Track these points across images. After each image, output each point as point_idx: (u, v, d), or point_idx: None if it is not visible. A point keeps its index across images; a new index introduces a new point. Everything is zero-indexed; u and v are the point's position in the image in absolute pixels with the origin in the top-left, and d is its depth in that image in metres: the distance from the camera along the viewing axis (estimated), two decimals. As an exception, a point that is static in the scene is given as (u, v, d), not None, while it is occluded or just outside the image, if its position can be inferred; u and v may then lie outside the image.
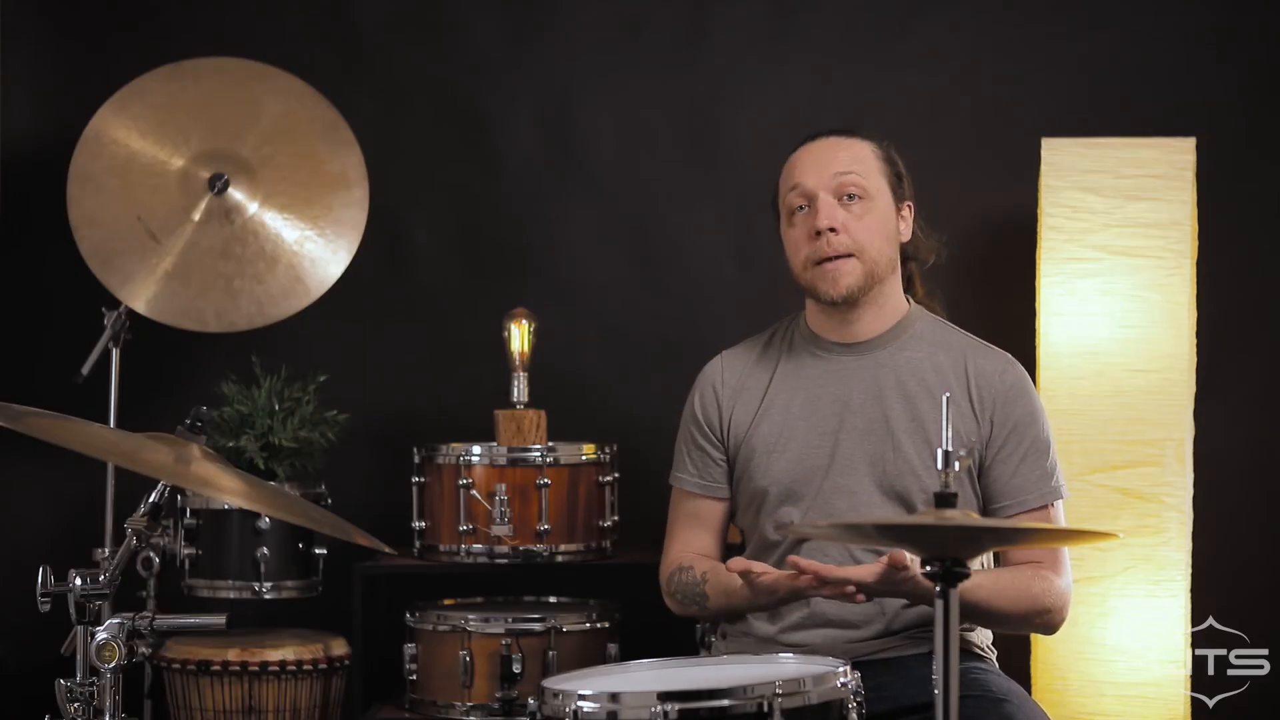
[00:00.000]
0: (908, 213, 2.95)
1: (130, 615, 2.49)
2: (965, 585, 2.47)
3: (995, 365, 2.90)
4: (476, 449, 3.52)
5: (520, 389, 3.63)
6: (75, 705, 2.47)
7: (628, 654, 3.33)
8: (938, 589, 2.15)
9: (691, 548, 2.98)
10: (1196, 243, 3.64)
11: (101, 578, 2.49)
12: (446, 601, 3.60)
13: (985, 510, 2.86)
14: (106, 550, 3.49)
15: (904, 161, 2.97)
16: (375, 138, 3.88)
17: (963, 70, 4.02)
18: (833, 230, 2.83)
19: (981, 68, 4.02)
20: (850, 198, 2.86)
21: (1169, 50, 3.98)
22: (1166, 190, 3.60)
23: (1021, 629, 2.94)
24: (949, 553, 2.13)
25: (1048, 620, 2.82)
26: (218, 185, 3.69)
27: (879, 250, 2.87)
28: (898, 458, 2.84)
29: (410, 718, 3.49)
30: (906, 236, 2.95)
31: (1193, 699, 3.66)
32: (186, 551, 3.58)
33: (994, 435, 2.86)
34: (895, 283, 2.94)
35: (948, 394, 2.33)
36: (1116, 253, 3.61)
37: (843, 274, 2.85)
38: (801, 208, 2.88)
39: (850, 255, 2.84)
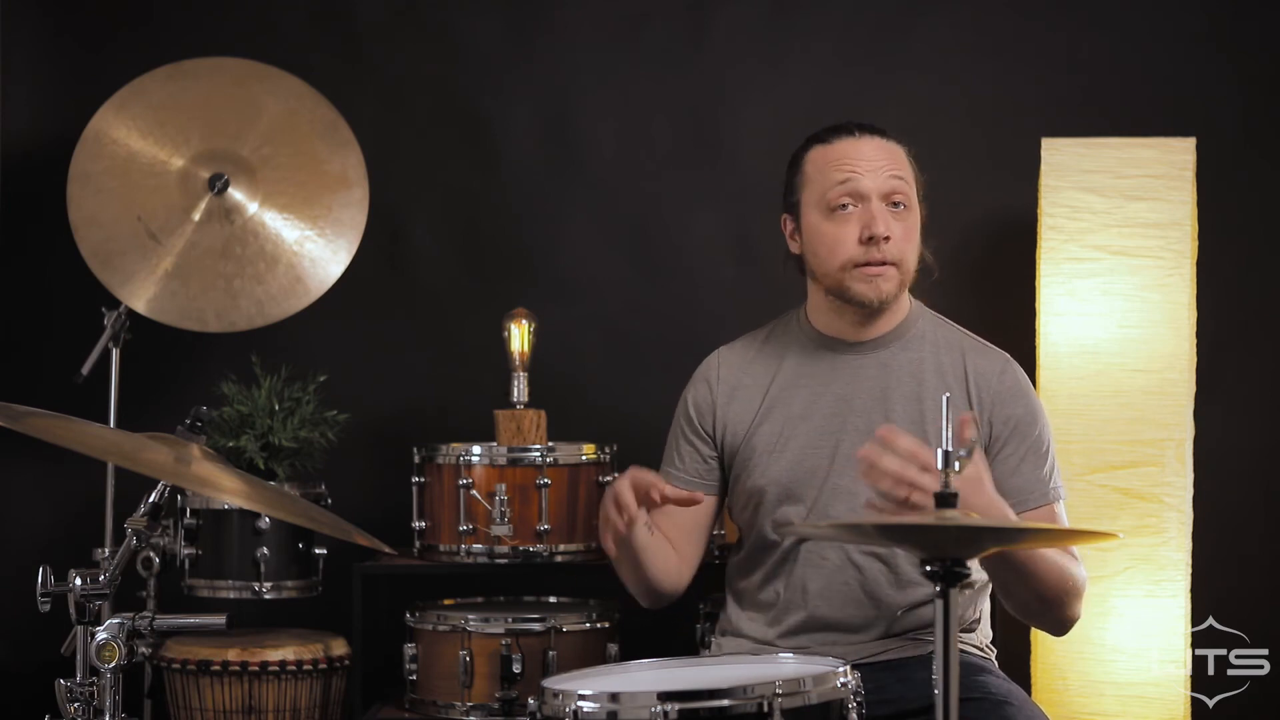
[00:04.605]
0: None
1: (130, 615, 2.48)
2: None
3: (994, 365, 2.90)
4: (476, 449, 3.52)
5: (520, 389, 3.63)
6: (75, 705, 2.47)
7: (628, 654, 3.32)
8: (937, 589, 2.14)
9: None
10: (1196, 243, 3.64)
11: (101, 578, 2.49)
12: (446, 601, 3.60)
13: (985, 511, 2.85)
14: (106, 550, 3.48)
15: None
16: (375, 138, 3.88)
17: (963, 70, 4.02)
18: (886, 238, 2.80)
19: (981, 68, 4.02)
20: (896, 205, 2.82)
21: (1169, 50, 3.99)
22: (1166, 190, 3.60)
23: (1049, 609, 2.72)
24: (949, 553, 2.13)
25: (1071, 605, 2.69)
26: (218, 185, 3.69)
27: (913, 261, 2.85)
28: (897, 460, 2.83)
29: (410, 718, 3.49)
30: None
31: (1193, 699, 3.66)
32: (186, 551, 3.57)
33: (994, 435, 2.84)
34: None
35: (947, 394, 2.32)
36: (1116, 253, 3.61)
37: (884, 280, 2.81)
38: (848, 205, 2.81)
39: (893, 265, 2.81)
